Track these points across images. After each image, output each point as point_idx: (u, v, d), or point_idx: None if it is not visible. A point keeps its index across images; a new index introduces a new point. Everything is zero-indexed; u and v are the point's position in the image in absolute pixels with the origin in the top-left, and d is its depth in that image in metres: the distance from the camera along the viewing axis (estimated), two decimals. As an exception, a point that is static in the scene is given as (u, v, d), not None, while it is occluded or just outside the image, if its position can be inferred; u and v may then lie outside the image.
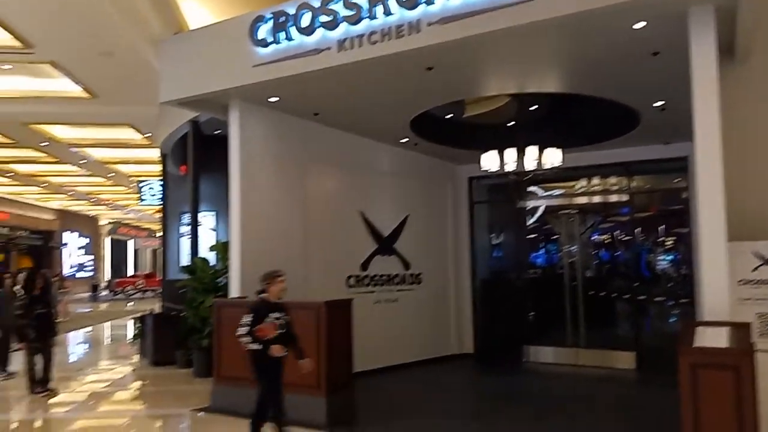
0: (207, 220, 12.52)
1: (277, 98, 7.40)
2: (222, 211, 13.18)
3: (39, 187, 24.55)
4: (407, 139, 9.31)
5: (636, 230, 10.22)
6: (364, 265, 9.30)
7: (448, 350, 10.36)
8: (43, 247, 31.93)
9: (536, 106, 8.58)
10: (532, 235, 11.34)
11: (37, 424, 6.88)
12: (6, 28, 9.14)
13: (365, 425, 6.40)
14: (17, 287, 8.96)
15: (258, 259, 7.67)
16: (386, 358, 9.13)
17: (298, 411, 6.29)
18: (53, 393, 7.91)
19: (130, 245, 44.28)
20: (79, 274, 34.79)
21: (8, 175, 21.08)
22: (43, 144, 15.92)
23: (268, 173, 7.98)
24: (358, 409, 6.72)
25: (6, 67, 10.70)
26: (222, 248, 9.14)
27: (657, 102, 7.31)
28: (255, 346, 4.99)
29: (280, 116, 8.02)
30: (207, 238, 11.98)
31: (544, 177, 8.67)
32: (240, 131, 7.58)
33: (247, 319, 5.04)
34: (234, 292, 7.61)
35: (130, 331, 15.94)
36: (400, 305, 9.76)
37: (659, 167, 9.65)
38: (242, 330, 4.98)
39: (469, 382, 9.23)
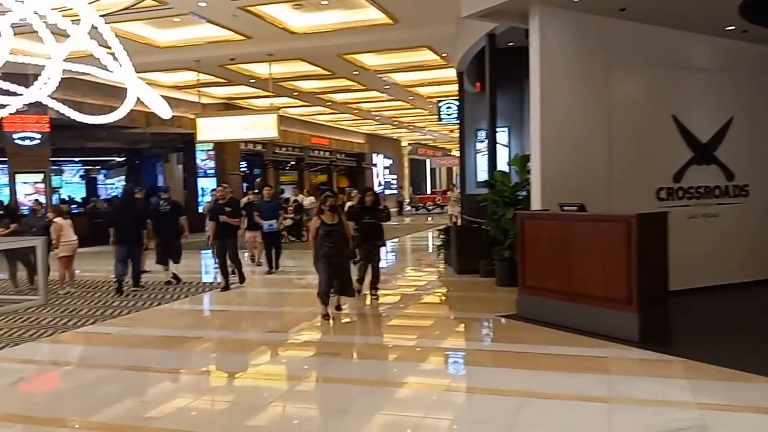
0: (499, 135, 12.59)
1: (580, -4, 6.91)
2: (514, 127, 13.15)
3: (351, 114, 27.37)
4: (733, 27, 7.97)
5: None
6: (677, 176, 8.42)
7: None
8: (356, 168, 35.98)
9: None
10: None
11: (354, 318, 7.88)
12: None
13: (680, 344, 5.96)
14: (350, 203, 10.61)
15: (559, 172, 7.50)
16: (703, 278, 8.29)
17: (608, 325, 6.15)
18: (377, 296, 8.68)
19: (427, 164, 47.34)
20: (386, 192, 38.55)
21: (327, 104, 23.88)
22: (354, 73, 17.56)
23: (570, 79, 7.61)
24: (672, 327, 6.29)
25: (324, 2, 11.88)
26: (521, 162, 9.14)
27: None
28: None
29: (582, 17, 7.51)
30: (500, 153, 12.07)
31: None
32: (540, 37, 7.31)
33: None
34: (536, 204, 7.58)
35: (432, 242, 17.26)
36: (720, 221, 8.69)
37: None
38: None
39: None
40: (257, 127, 16.72)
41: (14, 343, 6.83)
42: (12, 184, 17.32)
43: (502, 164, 10.66)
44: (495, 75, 10.62)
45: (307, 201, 17.23)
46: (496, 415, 4.35)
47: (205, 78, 17.20)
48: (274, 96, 17.15)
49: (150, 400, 5.16)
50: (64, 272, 10.08)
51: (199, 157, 22.89)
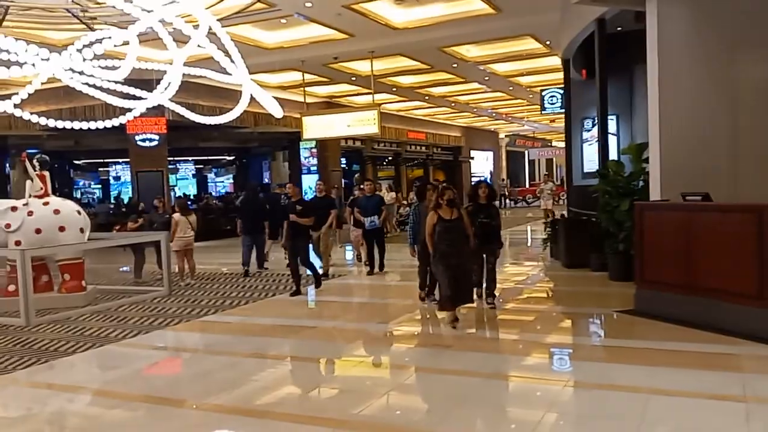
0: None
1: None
2: (623, 115, 12.60)
3: (449, 107, 27.24)
4: None
5: None
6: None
7: None
8: (452, 161, 35.78)
9: None
10: None
11: (462, 311, 7.78)
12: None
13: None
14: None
15: (679, 160, 7.12)
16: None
17: (735, 322, 5.78)
18: (494, 304, 7.65)
19: (526, 156, 46.28)
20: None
21: (425, 98, 23.90)
22: (453, 65, 17.47)
23: (690, 61, 7.21)
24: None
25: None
26: (636, 150, 8.74)
27: None
28: None
29: (704, -4, 7.08)
30: (609, 142, 11.59)
31: None
32: (658, 19, 6.98)
33: None
34: (655, 194, 7.24)
35: (532, 234, 16.87)
36: None
37: None
38: None
39: None
40: (358, 123, 17.01)
41: (145, 330, 7.35)
42: (135, 183, 18.62)
43: (613, 153, 10.25)
44: (605, 61, 10.20)
45: (388, 197, 17.33)
46: (624, 412, 4.21)
47: (309, 77, 17.70)
48: (374, 92, 17.39)
49: (265, 386, 5.40)
50: (182, 265, 10.74)
51: (303, 154, 23.64)
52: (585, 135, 13.63)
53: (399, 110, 27.34)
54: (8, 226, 8.69)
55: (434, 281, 7.51)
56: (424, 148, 32.72)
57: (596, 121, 12.04)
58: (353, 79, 18.49)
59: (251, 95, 7.52)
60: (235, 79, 7.27)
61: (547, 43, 15.05)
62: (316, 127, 17.60)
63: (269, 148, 25.37)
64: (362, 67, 16.85)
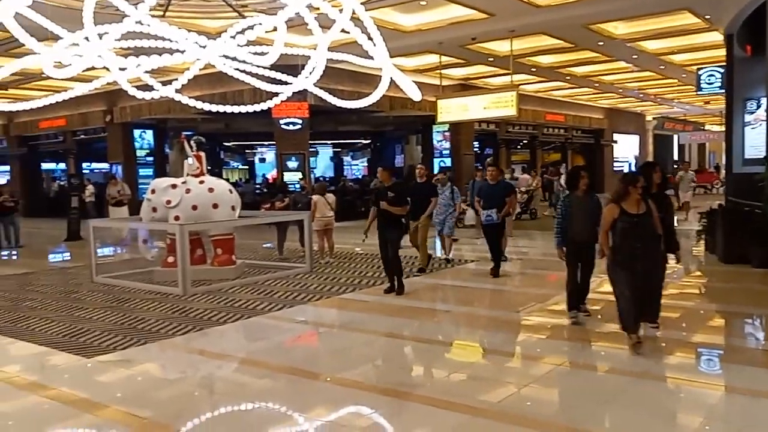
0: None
1: None
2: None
3: (591, 87, 25.90)
4: None
5: None
6: None
7: None
8: (593, 145, 34.07)
9: None
10: None
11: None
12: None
13: None
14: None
15: None
16: None
17: None
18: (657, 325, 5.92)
19: (675, 140, 43.01)
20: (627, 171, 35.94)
21: (566, 78, 22.88)
22: (599, 43, 16.52)
23: None
24: None
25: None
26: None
27: None
28: None
29: None
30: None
31: None
32: None
33: None
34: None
35: (678, 224, 15.59)
36: None
37: None
38: None
39: None
40: (495, 105, 16.65)
41: (289, 305, 7.71)
42: (280, 164, 19.60)
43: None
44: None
45: (533, 182, 16.68)
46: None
47: (445, 60, 17.56)
48: (512, 73, 16.90)
49: (401, 366, 5.44)
50: (322, 244, 11.16)
51: (436, 138, 23.58)
52: (748, 117, 12.38)
53: (537, 91, 26.42)
54: (168, 202, 9.44)
55: (583, 289, 6.53)
56: (562, 130, 31.45)
57: (762, 102, 10.91)
58: (490, 60, 18.06)
59: (391, 79, 7.57)
60: (376, 63, 7.34)
61: (707, 17, 13.77)
62: (451, 110, 17.46)
63: (403, 132, 25.60)
64: (500, 47, 16.42)
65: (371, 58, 7.40)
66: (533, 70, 20.42)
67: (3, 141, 27.08)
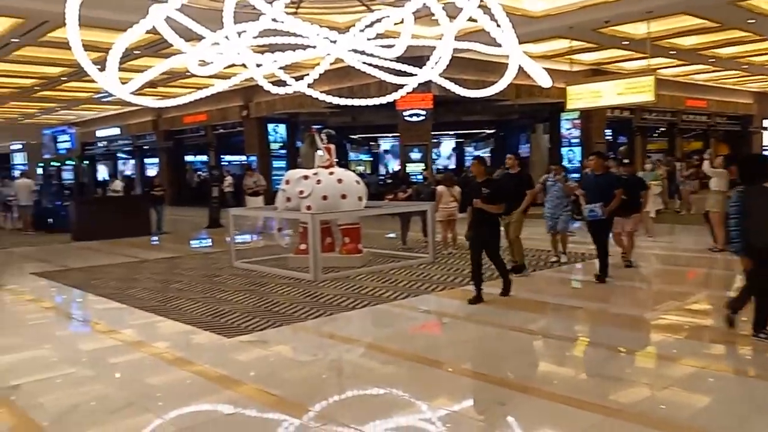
0: None
1: None
2: None
3: (738, 70, 23.78)
4: None
5: None
6: None
7: None
8: (740, 132, 31.32)
9: None
10: None
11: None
12: None
13: None
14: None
15: None
16: None
17: None
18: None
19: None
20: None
21: (710, 61, 21.15)
22: (749, 21, 15.11)
23: None
24: None
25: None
26: None
27: None
28: None
29: None
30: None
31: None
32: None
33: None
34: None
35: None
36: None
37: None
38: None
39: None
40: (630, 91, 15.80)
41: (413, 294, 7.81)
42: (403, 156, 19.83)
43: None
44: None
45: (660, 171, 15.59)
46: None
47: (576, 44, 16.87)
48: (649, 57, 15.89)
49: (528, 362, 5.32)
50: (446, 234, 11.17)
51: (564, 126, 22.72)
52: None
53: (676, 75, 24.64)
54: (301, 192, 9.85)
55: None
56: (704, 117, 29.19)
57: None
58: (625, 43, 17.09)
59: (519, 66, 7.39)
60: (504, 51, 7.20)
61: None
62: (582, 97, 16.79)
63: (529, 120, 24.90)
64: (636, 29, 15.48)
65: (498, 45, 7.27)
66: (672, 53, 19.07)
67: (152, 135, 29.57)
